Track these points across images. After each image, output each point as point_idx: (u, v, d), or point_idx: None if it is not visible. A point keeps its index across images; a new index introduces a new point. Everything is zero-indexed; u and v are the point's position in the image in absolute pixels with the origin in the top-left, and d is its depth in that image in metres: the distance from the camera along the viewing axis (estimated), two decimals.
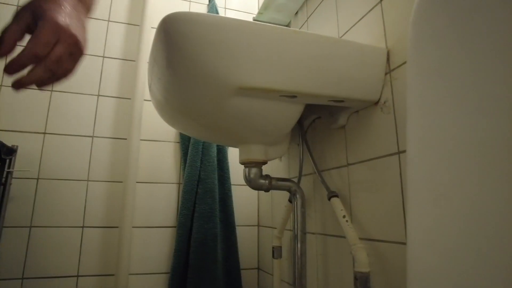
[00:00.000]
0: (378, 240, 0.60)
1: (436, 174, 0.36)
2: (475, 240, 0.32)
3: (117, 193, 1.10)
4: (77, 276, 1.01)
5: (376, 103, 0.64)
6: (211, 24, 0.53)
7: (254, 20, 1.19)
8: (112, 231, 1.07)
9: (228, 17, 0.56)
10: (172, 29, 0.53)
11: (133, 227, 1.09)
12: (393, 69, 0.61)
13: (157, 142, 1.18)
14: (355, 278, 0.59)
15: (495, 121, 0.31)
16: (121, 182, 1.11)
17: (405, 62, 0.58)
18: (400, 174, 0.56)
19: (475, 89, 0.33)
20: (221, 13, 1.37)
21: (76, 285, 1.01)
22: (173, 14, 0.54)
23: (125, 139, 1.14)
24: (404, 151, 0.56)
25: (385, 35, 0.64)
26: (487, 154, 0.32)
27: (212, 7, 1.29)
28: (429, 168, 0.37)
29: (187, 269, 1.04)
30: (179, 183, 1.18)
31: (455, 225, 0.34)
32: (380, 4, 0.66)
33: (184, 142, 1.18)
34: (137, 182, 1.12)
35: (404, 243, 0.54)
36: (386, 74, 0.63)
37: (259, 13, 1.14)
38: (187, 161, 1.12)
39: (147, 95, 1.17)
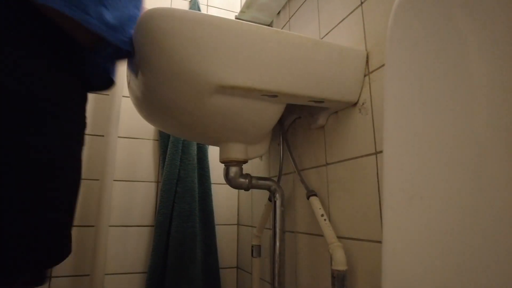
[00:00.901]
0: (355, 239, 0.62)
1: (411, 174, 0.37)
2: (447, 238, 0.33)
3: (93, 191, 1.07)
4: (50, 277, 0.98)
5: (355, 104, 0.65)
6: (193, 21, 0.53)
7: (236, 18, 1.18)
8: (87, 230, 1.04)
9: (210, 14, 0.56)
10: (153, 25, 0.52)
11: (109, 226, 1.06)
12: (372, 71, 0.62)
13: (135, 139, 1.16)
14: (333, 276, 0.60)
15: (470, 123, 0.32)
16: (98, 180, 1.08)
17: (383, 65, 0.60)
18: (377, 174, 0.58)
19: (450, 92, 0.35)
20: (203, 10, 1.36)
21: (49, 286, 0.97)
22: (154, 9, 0.53)
23: (102, 136, 1.11)
24: (381, 152, 0.57)
25: (365, 37, 0.65)
26: (461, 155, 0.33)
27: (194, 3, 1.27)
28: (405, 168, 0.38)
29: (165, 268, 1.03)
30: (157, 182, 1.16)
31: (428, 224, 0.35)
32: (360, 7, 0.67)
33: (164, 140, 1.16)
34: (114, 180, 1.09)
35: (381, 242, 0.55)
36: (365, 76, 0.64)
37: (242, 11, 1.14)
38: (166, 160, 1.11)
39: (126, 92, 1.14)
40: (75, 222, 1.02)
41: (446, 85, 0.35)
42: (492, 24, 0.31)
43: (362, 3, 0.66)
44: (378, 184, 0.57)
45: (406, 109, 0.39)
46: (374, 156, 0.59)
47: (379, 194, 0.57)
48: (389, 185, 0.39)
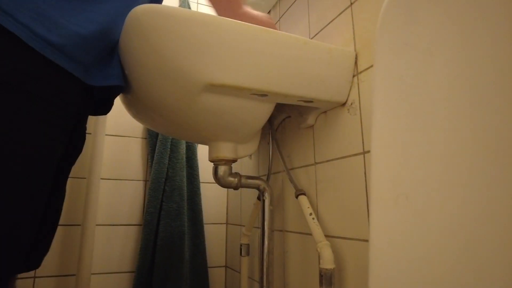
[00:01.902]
0: (343, 238, 0.62)
1: (397, 174, 0.38)
2: (433, 237, 0.34)
3: (80, 190, 1.05)
4: (34, 277, 0.96)
5: (344, 104, 0.66)
6: (182, 18, 0.52)
7: None
8: (73, 229, 1.03)
9: (200, 12, 0.55)
10: (142, 22, 0.52)
11: (96, 225, 1.05)
12: (361, 72, 0.63)
13: (123, 137, 1.15)
14: (321, 275, 0.60)
15: (455, 124, 0.33)
16: (85, 178, 1.06)
17: (372, 65, 0.60)
18: (365, 173, 0.58)
19: (436, 94, 0.35)
20: (194, 8, 1.35)
21: (33, 286, 0.96)
22: (143, 6, 0.52)
23: (90, 133, 1.09)
24: (368, 152, 0.58)
25: (354, 38, 0.66)
26: (447, 155, 0.33)
27: (184, 1, 1.26)
28: (391, 168, 0.39)
29: (153, 267, 1.02)
30: (145, 180, 1.15)
31: (414, 223, 0.35)
32: (350, 8, 0.67)
33: (152, 138, 1.15)
34: (101, 179, 1.08)
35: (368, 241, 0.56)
36: (354, 76, 0.64)
37: None
38: (155, 158, 1.10)
39: None
40: (62, 221, 1.01)
41: (434, 86, 0.35)
42: (478, 25, 0.32)
43: (351, 4, 0.67)
44: (366, 183, 0.58)
45: (393, 109, 0.39)
46: (362, 156, 0.60)
47: (366, 193, 0.58)
48: (376, 184, 0.40)
